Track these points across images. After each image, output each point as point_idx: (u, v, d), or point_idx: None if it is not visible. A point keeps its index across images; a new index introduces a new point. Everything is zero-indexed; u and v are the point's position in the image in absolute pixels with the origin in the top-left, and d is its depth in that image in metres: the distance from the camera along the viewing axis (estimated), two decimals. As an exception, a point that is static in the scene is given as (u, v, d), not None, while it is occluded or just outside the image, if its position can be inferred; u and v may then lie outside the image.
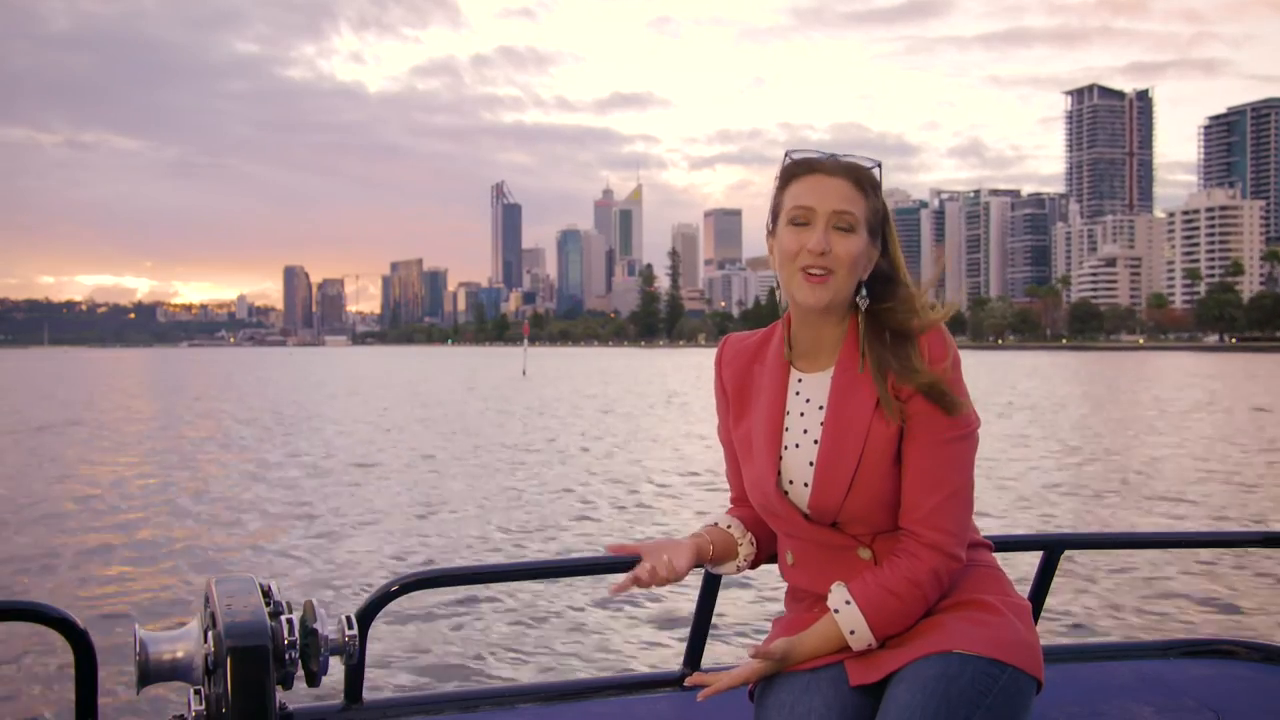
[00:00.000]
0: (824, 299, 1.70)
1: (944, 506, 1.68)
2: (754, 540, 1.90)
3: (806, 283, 1.70)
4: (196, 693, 1.44)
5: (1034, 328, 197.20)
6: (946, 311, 1.73)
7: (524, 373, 61.69)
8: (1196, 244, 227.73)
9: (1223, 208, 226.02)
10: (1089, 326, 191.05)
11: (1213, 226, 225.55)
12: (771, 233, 1.79)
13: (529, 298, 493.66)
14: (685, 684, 1.75)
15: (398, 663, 6.54)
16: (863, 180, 1.72)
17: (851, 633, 1.68)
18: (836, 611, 1.69)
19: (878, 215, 1.74)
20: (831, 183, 1.70)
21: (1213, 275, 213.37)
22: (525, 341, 77.08)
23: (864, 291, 1.74)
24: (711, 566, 1.90)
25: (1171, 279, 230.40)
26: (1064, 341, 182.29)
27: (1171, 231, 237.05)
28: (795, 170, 1.74)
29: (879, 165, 1.75)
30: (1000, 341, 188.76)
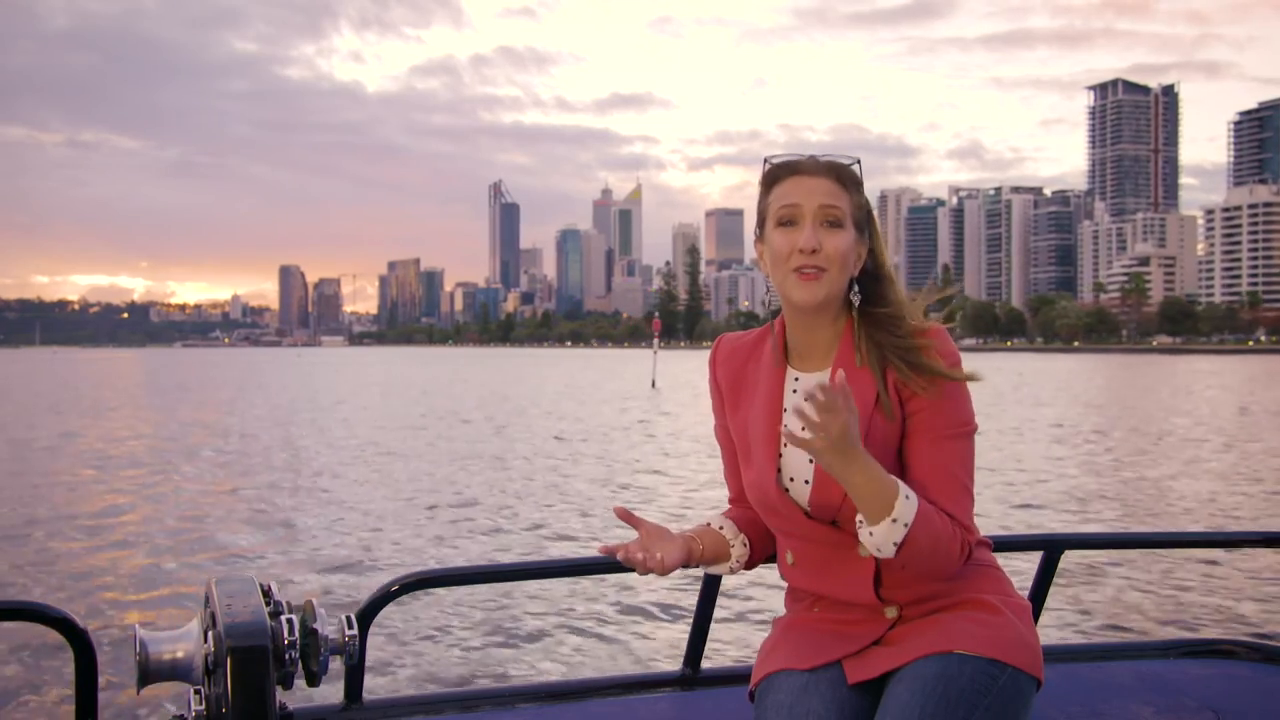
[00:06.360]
0: (819, 295, 1.72)
1: (951, 501, 1.68)
2: (747, 541, 1.89)
3: (800, 281, 1.72)
4: (196, 693, 1.44)
5: (1112, 329, 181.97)
6: (924, 309, 1.76)
7: (654, 384, 45.56)
8: (1237, 242, 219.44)
9: (1266, 204, 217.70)
10: (1182, 327, 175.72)
11: (1255, 224, 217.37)
12: (760, 238, 1.81)
13: (527, 298, 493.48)
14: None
15: (398, 663, 6.54)
16: (844, 177, 1.75)
17: (894, 520, 1.57)
18: (907, 498, 1.59)
19: (862, 211, 1.77)
20: (814, 181, 1.73)
21: (1255, 274, 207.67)
22: (655, 343, 53.19)
23: (856, 289, 1.77)
24: (703, 567, 1.90)
25: (1210, 278, 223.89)
26: (1153, 343, 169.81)
27: (1211, 229, 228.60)
28: (777, 174, 1.77)
29: (858, 162, 1.78)
30: (1076, 344, 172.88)
